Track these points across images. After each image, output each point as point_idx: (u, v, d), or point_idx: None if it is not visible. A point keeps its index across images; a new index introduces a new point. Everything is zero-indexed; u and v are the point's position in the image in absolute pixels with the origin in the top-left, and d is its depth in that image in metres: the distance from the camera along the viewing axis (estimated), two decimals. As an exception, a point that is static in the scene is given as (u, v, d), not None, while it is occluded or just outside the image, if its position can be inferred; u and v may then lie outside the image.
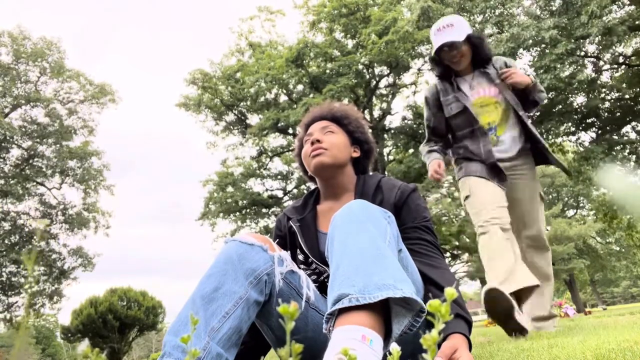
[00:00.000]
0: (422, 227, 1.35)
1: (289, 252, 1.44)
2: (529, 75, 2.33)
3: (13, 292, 16.32)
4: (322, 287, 1.37)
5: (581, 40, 9.27)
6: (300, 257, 1.46)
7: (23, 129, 16.33)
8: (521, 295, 2.11)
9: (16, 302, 16.59)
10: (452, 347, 1.06)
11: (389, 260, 0.93)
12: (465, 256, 18.94)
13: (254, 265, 1.11)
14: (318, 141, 1.48)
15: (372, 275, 0.88)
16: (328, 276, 1.33)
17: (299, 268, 1.41)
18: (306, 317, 1.18)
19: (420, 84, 15.87)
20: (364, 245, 0.96)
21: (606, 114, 11.36)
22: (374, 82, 15.20)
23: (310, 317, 1.19)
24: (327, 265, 1.36)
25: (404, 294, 0.85)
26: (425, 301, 1.20)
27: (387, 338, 0.88)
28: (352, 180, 1.51)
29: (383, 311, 0.87)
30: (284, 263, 1.16)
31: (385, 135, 16.01)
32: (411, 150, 15.17)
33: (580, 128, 11.55)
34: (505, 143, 2.38)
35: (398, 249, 1.09)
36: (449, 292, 0.35)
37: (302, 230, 1.45)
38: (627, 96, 11.08)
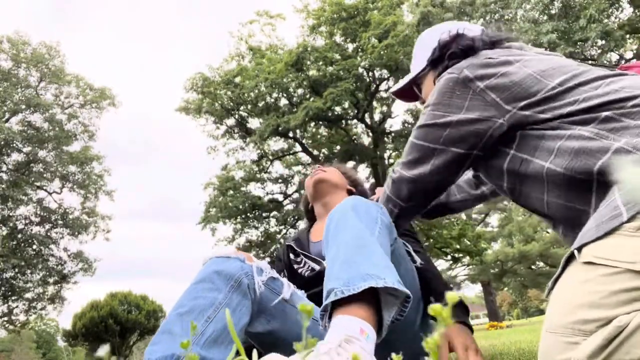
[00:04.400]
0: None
1: (285, 273, 1.64)
2: None
3: (14, 297, 16.31)
4: (318, 281, 1.44)
5: (582, 44, 9.30)
6: (295, 265, 1.61)
7: (24, 134, 16.35)
8: None
9: (16, 306, 16.58)
10: (446, 336, 1.18)
11: (372, 250, 0.95)
12: (466, 259, 18.92)
13: (232, 271, 1.14)
14: (319, 167, 1.80)
15: (356, 267, 0.91)
16: (321, 271, 1.47)
17: (295, 269, 1.59)
18: (295, 322, 1.21)
19: (420, 87, 15.88)
20: (349, 238, 0.99)
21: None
22: (374, 86, 15.23)
23: (295, 320, 1.22)
24: (317, 263, 1.54)
25: (386, 284, 0.86)
26: (426, 302, 1.30)
27: (380, 327, 0.90)
28: (341, 195, 1.73)
29: (374, 300, 0.89)
30: (264, 272, 1.20)
31: (386, 139, 16.04)
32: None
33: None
34: None
35: (391, 238, 1.11)
36: (451, 296, 0.36)
37: (296, 243, 1.68)
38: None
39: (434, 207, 1.47)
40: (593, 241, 0.76)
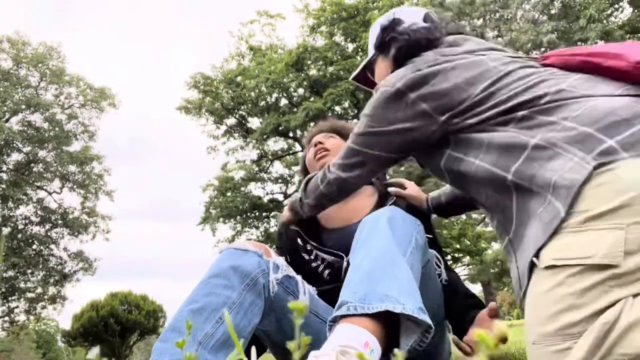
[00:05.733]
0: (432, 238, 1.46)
1: (287, 257, 1.50)
2: None
3: (13, 297, 16.31)
4: (337, 277, 1.39)
5: (582, 44, 9.30)
6: (305, 256, 1.49)
7: (24, 134, 16.36)
8: None
9: (17, 306, 16.58)
10: (483, 319, 1.18)
11: (398, 269, 0.91)
12: (466, 259, 18.92)
13: (249, 269, 1.09)
14: (320, 143, 1.59)
15: (376, 284, 0.87)
16: (341, 266, 1.39)
17: (309, 265, 1.46)
18: (305, 323, 1.16)
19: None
20: (377, 251, 0.95)
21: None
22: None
23: (309, 322, 1.18)
24: (335, 256, 1.42)
25: (404, 310, 0.82)
26: (456, 309, 1.29)
27: (391, 351, 0.86)
28: None
29: (389, 322, 0.85)
30: (279, 269, 1.15)
31: (386, 139, 16.02)
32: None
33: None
34: None
35: (424, 260, 1.08)
36: (501, 329, 0.32)
37: (302, 228, 1.52)
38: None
39: (460, 204, 1.47)
40: (545, 244, 0.78)
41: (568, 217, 0.76)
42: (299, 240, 1.52)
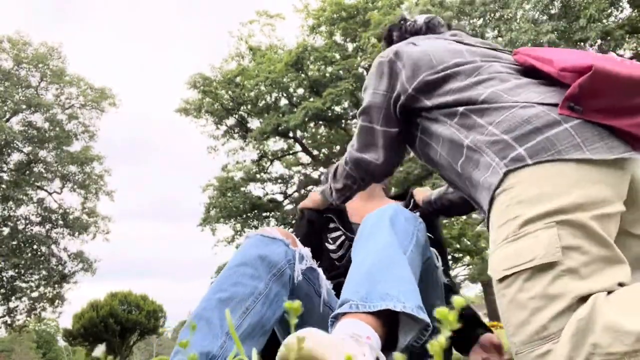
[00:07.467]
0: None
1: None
2: None
3: (14, 297, 16.30)
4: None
5: (582, 44, 9.30)
6: (331, 246, 1.51)
7: (24, 134, 16.35)
8: None
9: (17, 306, 16.57)
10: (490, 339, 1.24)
11: (398, 269, 0.93)
12: (467, 259, 18.92)
13: (276, 259, 1.09)
14: None
15: (377, 283, 0.88)
16: None
17: (329, 254, 1.49)
18: (322, 316, 1.17)
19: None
20: (378, 251, 0.97)
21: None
22: (374, 86, 15.20)
23: (326, 315, 1.18)
24: None
25: (404, 309, 0.84)
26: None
27: (391, 347, 0.88)
28: (378, 186, 1.67)
29: (388, 318, 0.86)
30: (304, 260, 1.15)
31: (386, 139, 16.00)
32: (411, 155, 15.16)
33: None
34: None
35: (424, 257, 1.09)
36: (458, 301, 0.36)
37: (337, 216, 1.56)
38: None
39: (449, 206, 1.48)
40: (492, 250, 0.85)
41: (505, 225, 0.81)
42: (330, 225, 1.54)
